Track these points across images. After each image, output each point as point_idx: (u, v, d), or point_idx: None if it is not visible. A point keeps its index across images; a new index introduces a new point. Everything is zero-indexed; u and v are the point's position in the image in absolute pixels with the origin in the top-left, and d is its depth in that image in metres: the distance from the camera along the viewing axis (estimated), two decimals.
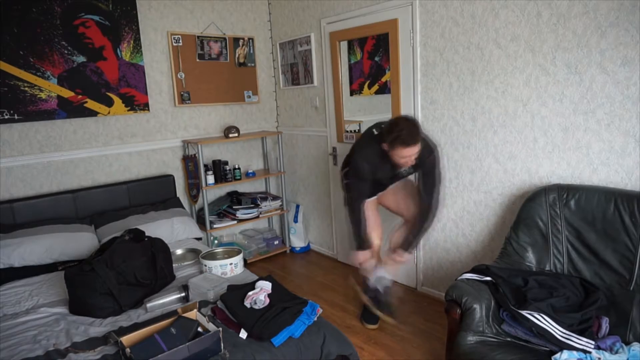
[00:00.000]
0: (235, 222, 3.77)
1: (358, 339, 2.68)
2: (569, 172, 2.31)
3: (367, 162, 2.45)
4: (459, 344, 1.87)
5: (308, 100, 3.91)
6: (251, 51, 4.07)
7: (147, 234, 2.54)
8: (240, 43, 3.99)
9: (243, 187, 4.21)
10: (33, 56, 2.97)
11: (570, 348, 1.70)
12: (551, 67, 2.28)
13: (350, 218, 2.62)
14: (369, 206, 2.67)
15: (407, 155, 2.26)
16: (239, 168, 3.86)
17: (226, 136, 3.72)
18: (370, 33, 3.19)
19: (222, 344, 1.74)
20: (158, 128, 3.62)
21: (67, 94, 3.13)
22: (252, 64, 4.10)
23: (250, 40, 4.05)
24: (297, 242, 4.21)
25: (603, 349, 1.71)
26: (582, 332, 1.75)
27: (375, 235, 2.72)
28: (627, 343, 1.78)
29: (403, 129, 2.20)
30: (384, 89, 3.27)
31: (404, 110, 3.04)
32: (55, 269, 2.73)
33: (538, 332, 1.77)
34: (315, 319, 1.97)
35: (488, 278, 2.02)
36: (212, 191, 3.99)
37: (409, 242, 2.58)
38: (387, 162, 2.41)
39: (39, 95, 3.02)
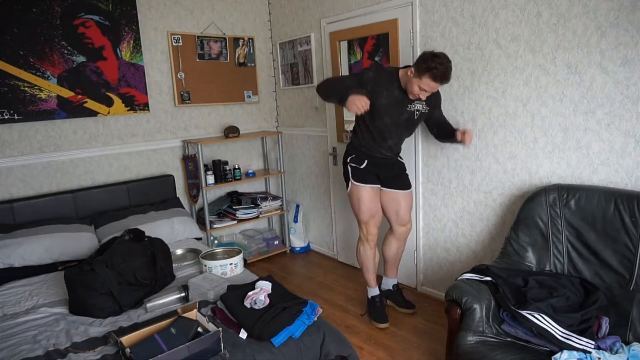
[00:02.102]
0: (235, 222, 3.77)
1: (358, 339, 2.68)
2: (569, 172, 2.31)
3: (377, 72, 2.51)
4: (459, 344, 1.87)
5: (308, 100, 3.91)
6: (251, 51, 4.07)
7: (147, 234, 2.54)
8: (240, 43, 3.99)
9: (243, 187, 4.21)
10: (33, 56, 2.97)
11: (571, 348, 1.70)
12: (551, 67, 2.28)
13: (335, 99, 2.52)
14: (370, 193, 2.69)
15: (428, 89, 2.35)
16: (239, 168, 3.86)
17: (226, 136, 3.72)
18: (370, 33, 3.19)
19: (222, 344, 1.74)
20: (158, 128, 3.62)
21: (67, 94, 3.13)
22: (252, 64, 4.10)
23: (250, 40, 4.05)
24: (297, 242, 4.21)
25: (603, 349, 1.71)
26: (582, 332, 1.75)
27: (372, 223, 2.74)
28: (627, 343, 1.78)
29: (442, 64, 2.28)
30: None
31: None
32: (55, 269, 2.73)
33: (538, 332, 1.77)
34: (315, 319, 1.97)
35: (488, 278, 2.02)
36: (212, 191, 3.99)
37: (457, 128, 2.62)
38: (396, 87, 2.50)
39: (38, 95, 3.02)
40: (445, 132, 2.67)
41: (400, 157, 2.81)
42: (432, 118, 2.68)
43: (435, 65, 2.26)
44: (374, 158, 2.67)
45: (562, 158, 2.32)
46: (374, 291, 2.89)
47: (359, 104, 2.31)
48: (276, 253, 4.14)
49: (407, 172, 2.84)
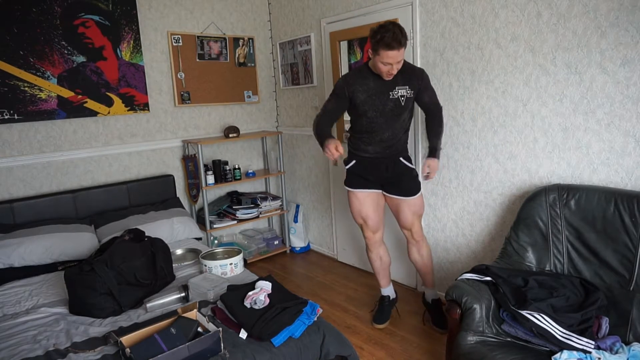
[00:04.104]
0: (235, 222, 3.77)
1: (358, 339, 2.68)
2: (569, 172, 2.31)
3: (345, 77, 2.51)
4: (459, 344, 1.87)
5: (308, 100, 3.91)
6: (251, 51, 4.07)
7: (147, 234, 2.54)
8: (240, 43, 3.99)
9: (243, 187, 4.21)
10: (33, 56, 2.97)
11: (571, 348, 1.70)
12: (551, 67, 2.28)
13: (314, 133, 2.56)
14: (358, 197, 2.65)
15: (390, 59, 2.26)
16: (239, 168, 3.86)
17: (226, 136, 3.72)
18: None
19: (222, 344, 1.75)
20: (158, 128, 3.62)
21: (67, 94, 3.13)
22: (252, 64, 4.10)
23: (250, 40, 4.05)
24: (297, 242, 4.21)
25: (603, 349, 1.71)
26: (582, 332, 1.75)
27: (366, 228, 2.74)
28: (627, 343, 1.78)
29: (389, 29, 2.22)
30: None
31: None
32: (55, 269, 2.73)
33: (538, 332, 1.77)
34: (315, 319, 1.97)
35: (488, 278, 2.02)
36: (212, 191, 3.99)
37: (437, 151, 2.55)
38: (370, 79, 2.45)
39: (39, 95, 3.02)
40: (429, 133, 2.58)
41: (405, 159, 2.60)
42: (421, 102, 2.54)
43: (383, 34, 2.22)
44: (361, 158, 2.59)
45: (562, 158, 2.32)
46: (383, 291, 2.90)
47: (331, 150, 2.36)
48: (276, 253, 4.14)
49: (413, 175, 2.61)
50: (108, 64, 3.28)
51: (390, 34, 2.21)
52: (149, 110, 3.52)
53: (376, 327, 2.81)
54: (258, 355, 1.76)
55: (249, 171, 3.99)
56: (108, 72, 3.29)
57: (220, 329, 1.76)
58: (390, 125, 2.51)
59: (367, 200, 2.67)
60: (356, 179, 2.64)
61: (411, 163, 2.63)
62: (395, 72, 2.35)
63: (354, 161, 2.63)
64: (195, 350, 1.67)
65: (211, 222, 3.70)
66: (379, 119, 2.48)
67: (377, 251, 2.81)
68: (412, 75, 2.47)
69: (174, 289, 2.30)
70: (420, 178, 2.68)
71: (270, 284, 2.14)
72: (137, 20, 3.37)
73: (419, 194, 2.63)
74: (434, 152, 2.54)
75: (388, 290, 2.91)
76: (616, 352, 1.69)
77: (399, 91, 2.45)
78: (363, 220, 2.71)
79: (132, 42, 3.37)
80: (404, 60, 2.42)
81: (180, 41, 3.63)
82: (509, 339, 1.87)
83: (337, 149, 2.37)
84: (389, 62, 2.28)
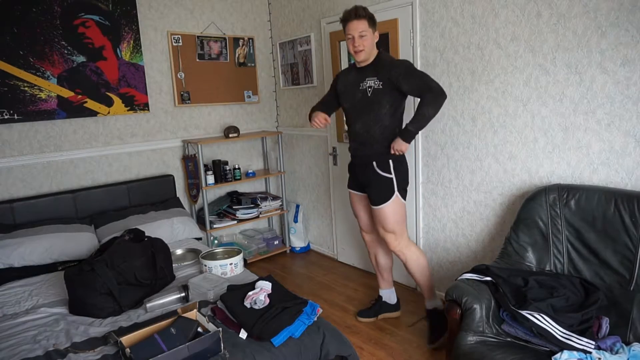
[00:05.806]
0: (235, 222, 3.77)
1: (358, 338, 2.68)
2: (569, 172, 2.31)
3: (340, 72, 2.73)
4: (459, 344, 1.87)
5: (308, 100, 3.91)
6: (251, 51, 4.07)
7: (147, 234, 2.54)
8: (240, 43, 3.99)
9: (243, 187, 4.21)
10: (33, 56, 2.97)
11: (571, 348, 1.70)
12: (551, 67, 2.28)
13: None
14: (350, 196, 2.75)
15: (350, 31, 2.38)
16: (239, 168, 3.86)
17: (226, 136, 3.72)
18: None
19: (222, 344, 1.74)
20: (158, 128, 3.62)
21: (67, 94, 3.13)
22: (252, 64, 4.10)
23: (250, 40, 4.05)
24: (297, 242, 4.21)
25: (603, 349, 1.71)
26: (582, 332, 1.75)
27: (360, 227, 2.83)
28: (627, 343, 1.77)
29: (348, 9, 2.42)
30: None
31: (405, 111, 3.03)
32: (55, 269, 2.73)
33: (538, 332, 1.77)
34: (315, 319, 1.97)
35: (488, 278, 2.02)
36: (212, 191, 3.99)
37: (407, 132, 2.35)
38: (352, 73, 2.57)
39: (38, 95, 3.02)
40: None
41: (378, 166, 2.47)
42: (407, 92, 2.39)
43: (344, 13, 2.42)
44: (352, 157, 2.65)
45: (562, 158, 2.32)
46: (380, 291, 2.95)
47: (314, 120, 2.58)
48: (276, 253, 4.14)
49: (384, 184, 2.47)
50: (108, 64, 3.28)
51: (347, 10, 2.41)
52: (149, 110, 3.52)
53: (359, 320, 2.88)
54: (258, 355, 1.76)
55: (249, 171, 3.99)
56: (108, 72, 3.29)
57: (220, 329, 1.76)
58: (360, 117, 2.48)
59: (356, 200, 2.76)
60: (349, 178, 2.76)
61: (387, 172, 2.46)
62: (361, 47, 2.38)
63: (350, 160, 2.72)
64: (195, 350, 1.67)
65: (211, 222, 3.70)
66: (351, 110, 2.56)
67: (372, 251, 2.86)
68: (384, 66, 2.39)
69: (174, 289, 2.30)
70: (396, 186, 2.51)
71: (270, 284, 2.14)
72: (137, 20, 3.37)
73: (386, 205, 2.47)
74: (403, 132, 2.37)
75: (383, 292, 2.92)
76: (616, 352, 1.69)
77: (367, 82, 2.45)
78: (357, 218, 2.82)
79: (132, 42, 3.37)
80: (388, 56, 2.48)
81: (180, 41, 3.63)
82: (509, 339, 1.87)
83: (326, 120, 2.57)
84: (351, 33, 2.38)
